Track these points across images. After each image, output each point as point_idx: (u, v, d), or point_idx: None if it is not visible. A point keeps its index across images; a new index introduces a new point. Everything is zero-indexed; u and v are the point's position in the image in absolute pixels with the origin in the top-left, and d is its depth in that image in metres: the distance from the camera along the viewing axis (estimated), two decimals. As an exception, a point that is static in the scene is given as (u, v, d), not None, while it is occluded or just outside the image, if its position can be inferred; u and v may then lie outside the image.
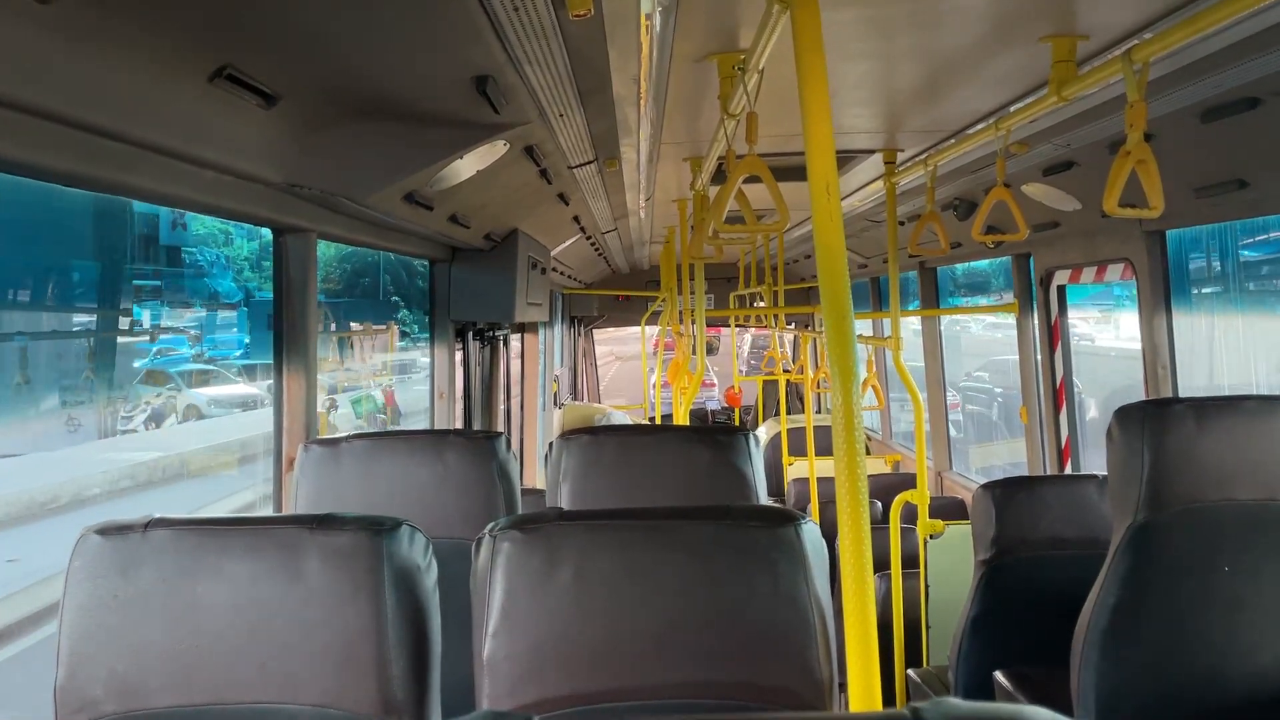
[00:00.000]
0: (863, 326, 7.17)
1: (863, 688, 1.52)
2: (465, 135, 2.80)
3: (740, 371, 13.12)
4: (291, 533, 1.64)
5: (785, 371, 8.84)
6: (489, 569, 1.64)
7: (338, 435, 2.60)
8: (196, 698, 1.60)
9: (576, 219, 5.67)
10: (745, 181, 2.65)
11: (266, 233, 2.91)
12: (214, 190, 2.35)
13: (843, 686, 1.65)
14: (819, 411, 9.62)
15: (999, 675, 3.05)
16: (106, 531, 1.64)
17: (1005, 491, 3.25)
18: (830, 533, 2.36)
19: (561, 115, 3.00)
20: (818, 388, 8.63)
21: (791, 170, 4.15)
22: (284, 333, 2.92)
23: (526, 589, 1.62)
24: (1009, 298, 5.26)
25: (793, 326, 9.74)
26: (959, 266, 7.33)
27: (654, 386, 9.93)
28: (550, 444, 2.74)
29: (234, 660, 1.61)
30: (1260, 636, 2.22)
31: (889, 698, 4.12)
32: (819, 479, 6.20)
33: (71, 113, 1.76)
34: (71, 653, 1.62)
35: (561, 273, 8.35)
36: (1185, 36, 2.10)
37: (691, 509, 1.72)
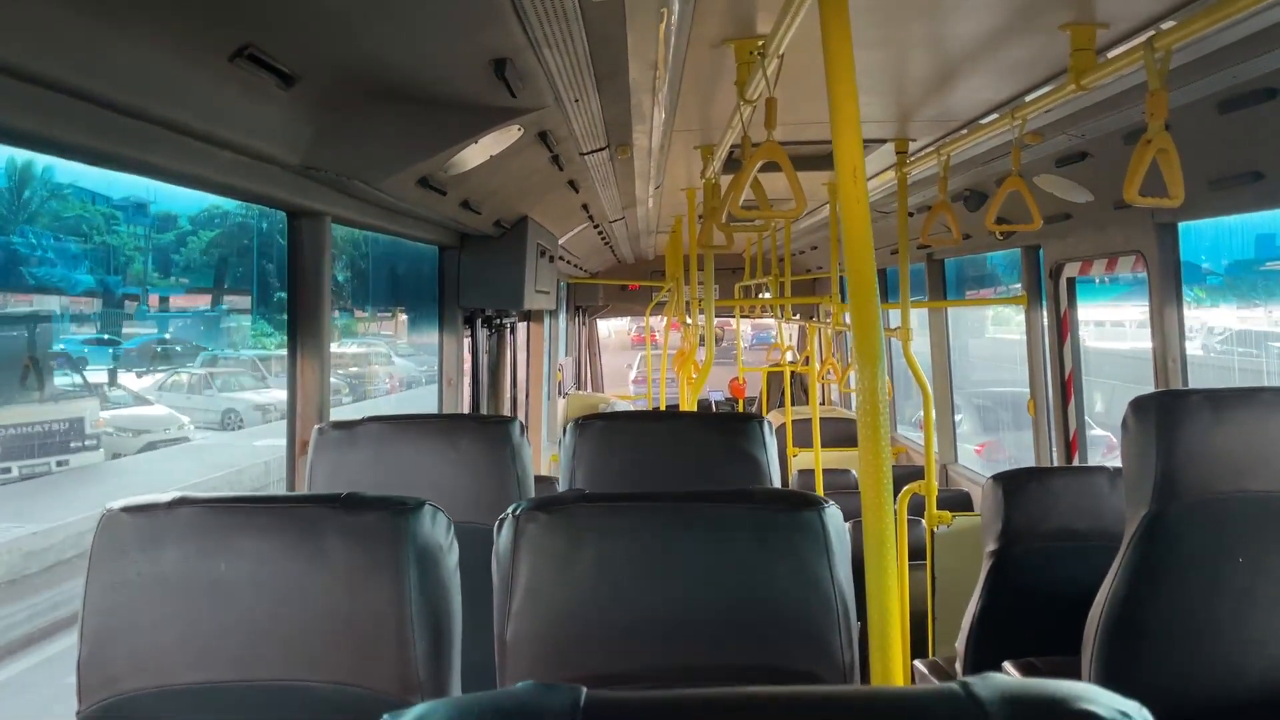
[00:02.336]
0: None
1: (884, 672, 1.52)
2: (481, 119, 2.80)
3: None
4: (315, 512, 1.64)
5: (790, 362, 8.84)
6: (512, 549, 1.64)
7: (352, 419, 2.60)
8: (218, 675, 1.61)
9: (585, 207, 5.66)
10: (759, 170, 2.64)
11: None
12: (230, 171, 2.35)
13: (862, 673, 1.66)
14: (823, 403, 9.62)
15: (1008, 666, 3.06)
16: (131, 509, 1.65)
17: (1015, 483, 3.24)
18: None
19: (577, 100, 3.00)
20: (823, 379, 8.63)
21: (802, 159, 4.14)
22: (297, 316, 2.93)
23: (549, 569, 1.63)
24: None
25: (798, 317, 9.74)
26: (966, 258, 7.30)
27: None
28: (565, 428, 2.74)
29: (256, 638, 1.61)
30: (1274, 629, 2.22)
31: None
32: (823, 470, 6.20)
33: (93, 89, 1.75)
34: (95, 629, 1.62)
35: (568, 261, 8.35)
36: (1206, 26, 2.09)
37: (714, 492, 1.72)
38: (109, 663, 1.61)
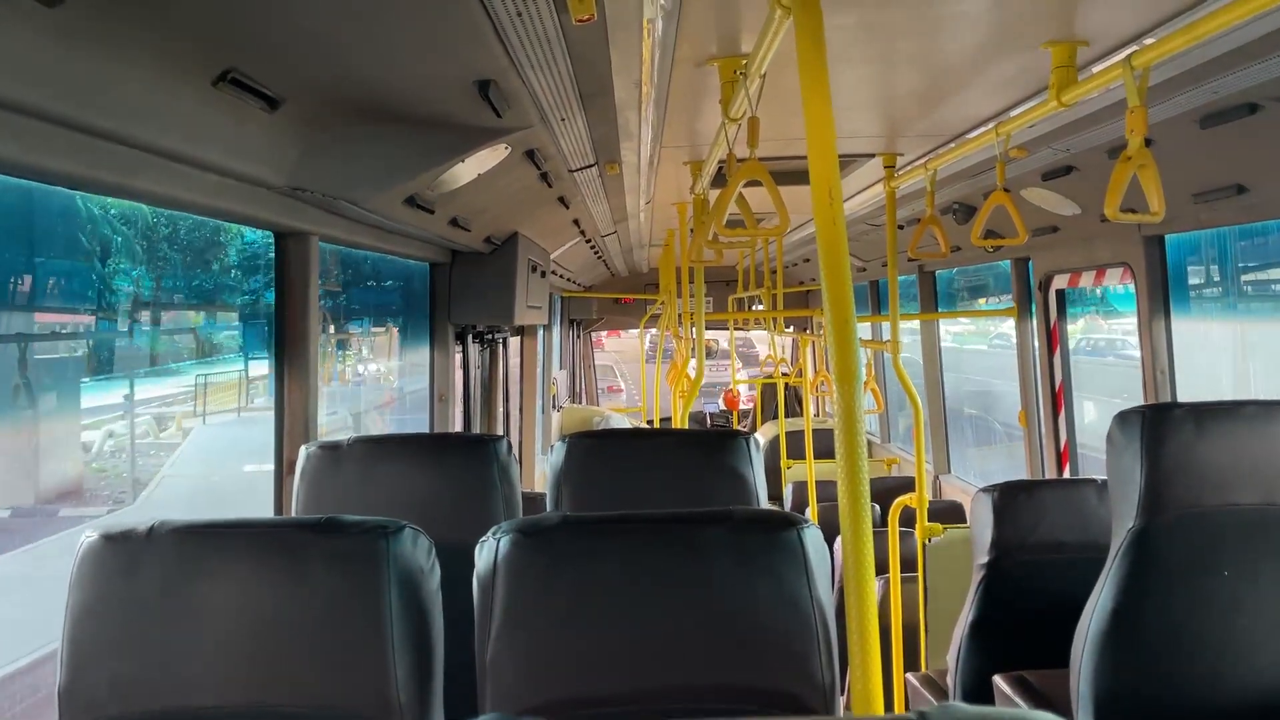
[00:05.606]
0: (862, 330, 7.17)
1: (864, 692, 1.52)
2: (467, 139, 2.81)
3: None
4: (296, 535, 1.64)
5: (784, 374, 8.84)
6: (492, 572, 1.64)
7: (338, 438, 2.60)
8: (199, 699, 1.60)
9: (576, 222, 5.68)
10: (745, 185, 2.65)
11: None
12: (216, 193, 2.35)
13: (844, 690, 1.66)
14: (817, 414, 9.62)
15: (998, 679, 3.05)
16: (110, 536, 1.64)
17: (1004, 495, 3.24)
18: (829, 536, 2.36)
19: (563, 119, 3.01)
20: (816, 391, 8.63)
21: (792, 174, 4.15)
22: (284, 336, 2.93)
23: (529, 592, 1.63)
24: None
25: (791, 329, 9.75)
26: (958, 270, 7.33)
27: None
28: (551, 446, 2.74)
29: (237, 662, 1.61)
30: (1259, 640, 2.22)
31: (887, 702, 4.12)
32: (817, 482, 6.19)
33: (76, 116, 1.76)
34: (75, 654, 1.62)
35: (561, 275, 8.36)
36: (1185, 42, 2.10)
37: (694, 513, 1.72)
38: (90, 688, 1.61)
